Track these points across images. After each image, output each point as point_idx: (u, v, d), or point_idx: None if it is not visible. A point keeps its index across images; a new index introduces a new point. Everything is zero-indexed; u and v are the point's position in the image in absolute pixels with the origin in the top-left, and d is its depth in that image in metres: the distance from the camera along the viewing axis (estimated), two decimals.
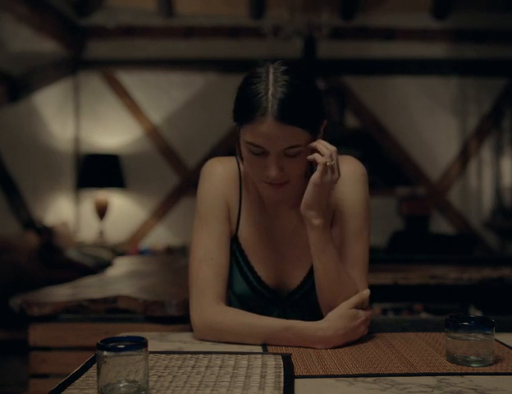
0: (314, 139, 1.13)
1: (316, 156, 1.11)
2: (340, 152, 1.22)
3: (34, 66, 4.93)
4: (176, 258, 3.93)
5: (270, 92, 1.07)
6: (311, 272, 1.22)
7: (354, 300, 1.15)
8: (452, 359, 1.02)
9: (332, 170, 1.11)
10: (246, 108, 1.09)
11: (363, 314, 1.15)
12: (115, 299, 1.66)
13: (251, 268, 1.25)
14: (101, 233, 5.50)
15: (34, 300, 1.66)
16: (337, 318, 1.12)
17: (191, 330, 1.20)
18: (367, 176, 1.25)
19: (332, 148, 1.12)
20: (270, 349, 1.10)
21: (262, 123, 1.07)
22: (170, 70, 5.80)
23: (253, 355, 1.04)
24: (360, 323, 1.14)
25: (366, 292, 1.17)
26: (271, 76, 1.09)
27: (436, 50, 5.78)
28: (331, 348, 1.11)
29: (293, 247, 1.24)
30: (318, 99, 1.13)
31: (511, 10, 5.54)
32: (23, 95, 4.73)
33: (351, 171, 1.22)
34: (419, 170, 5.80)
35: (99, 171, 5.47)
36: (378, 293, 2.11)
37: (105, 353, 0.82)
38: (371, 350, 1.10)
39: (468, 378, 0.93)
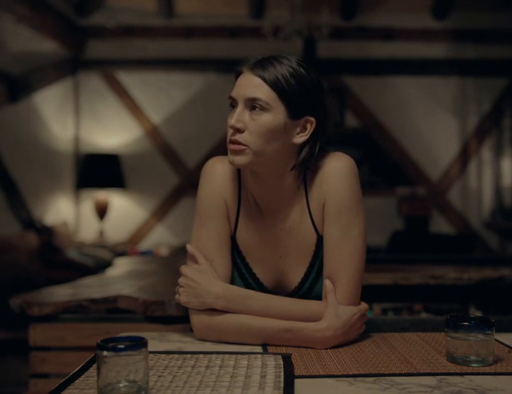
0: (287, 122, 1.13)
1: None
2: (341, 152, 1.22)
3: (34, 66, 4.93)
4: (176, 258, 3.92)
5: (261, 57, 1.15)
6: (309, 273, 1.22)
7: (355, 310, 1.16)
8: (452, 359, 1.02)
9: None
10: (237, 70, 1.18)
11: (358, 311, 1.16)
12: (115, 299, 1.66)
13: (249, 270, 1.24)
14: (101, 233, 5.50)
15: (34, 300, 1.65)
16: (335, 318, 1.12)
17: (191, 330, 1.20)
18: (356, 172, 1.19)
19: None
20: (270, 349, 1.10)
21: (241, 76, 1.16)
22: (170, 70, 5.80)
23: (253, 355, 1.04)
24: (356, 320, 1.15)
25: (365, 307, 1.19)
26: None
27: (436, 50, 5.77)
28: (330, 348, 1.11)
29: (290, 248, 1.23)
30: (310, 87, 1.15)
31: (511, 10, 5.53)
32: (23, 95, 4.72)
33: (338, 166, 1.18)
34: (419, 170, 5.80)
35: (99, 171, 5.46)
36: (378, 293, 2.11)
37: (105, 353, 0.82)
38: (371, 350, 1.10)
39: (468, 378, 0.93)
